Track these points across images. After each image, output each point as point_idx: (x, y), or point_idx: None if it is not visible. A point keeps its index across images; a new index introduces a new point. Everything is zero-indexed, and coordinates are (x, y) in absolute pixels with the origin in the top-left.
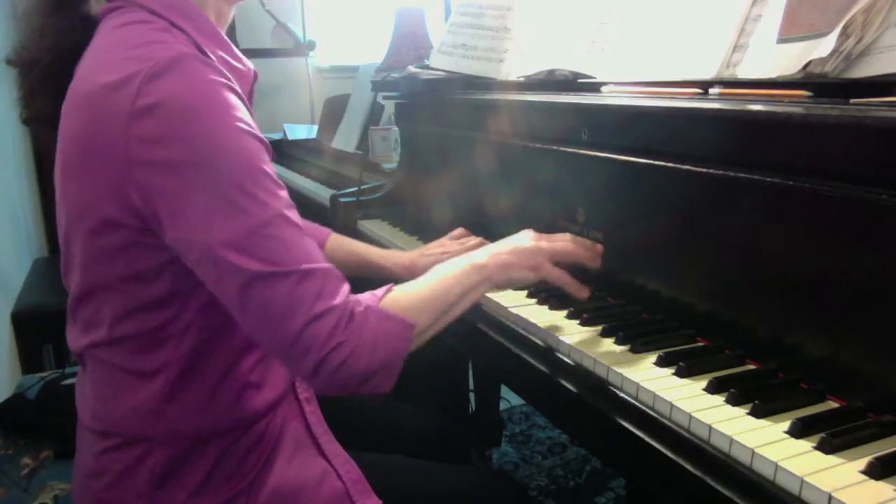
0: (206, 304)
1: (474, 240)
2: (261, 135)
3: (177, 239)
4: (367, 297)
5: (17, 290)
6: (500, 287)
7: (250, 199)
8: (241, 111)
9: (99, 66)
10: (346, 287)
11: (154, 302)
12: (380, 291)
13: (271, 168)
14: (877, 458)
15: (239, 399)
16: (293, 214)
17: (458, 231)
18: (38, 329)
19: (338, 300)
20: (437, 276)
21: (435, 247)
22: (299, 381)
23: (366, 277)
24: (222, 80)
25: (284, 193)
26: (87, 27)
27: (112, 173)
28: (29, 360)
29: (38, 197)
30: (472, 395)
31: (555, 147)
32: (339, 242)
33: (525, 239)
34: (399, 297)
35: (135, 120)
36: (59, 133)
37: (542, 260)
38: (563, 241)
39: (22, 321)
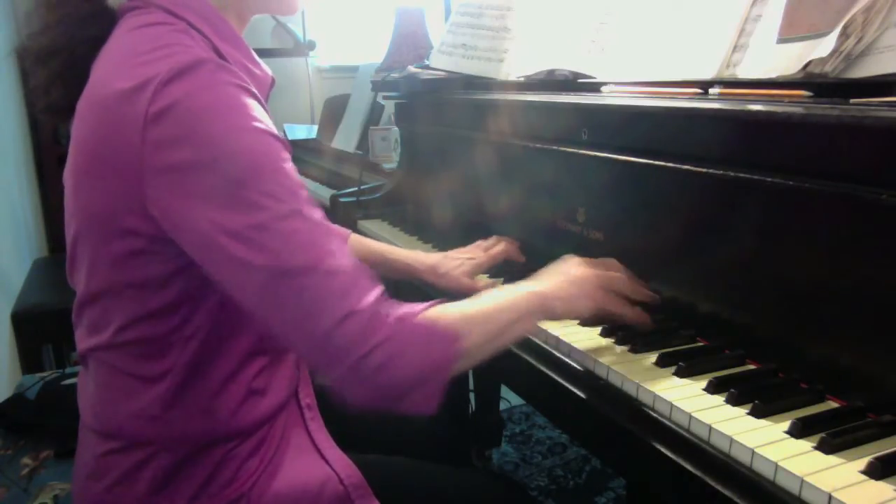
0: (212, 311)
1: (499, 245)
2: (279, 135)
3: (194, 245)
4: (407, 306)
5: (17, 290)
6: (557, 318)
7: (266, 196)
8: (259, 111)
9: (115, 70)
10: (378, 288)
11: (161, 309)
12: (423, 305)
13: (290, 165)
14: (877, 458)
15: (242, 405)
16: (316, 213)
17: (492, 241)
18: (38, 329)
19: (368, 300)
20: (488, 297)
21: (460, 252)
22: (302, 387)
23: (386, 277)
24: (239, 82)
25: (305, 192)
26: (104, 20)
27: (128, 181)
28: (29, 360)
29: (38, 197)
30: (472, 395)
31: (555, 147)
32: (359, 241)
33: (576, 266)
34: (444, 311)
35: (149, 125)
36: (72, 136)
37: (598, 289)
38: (617, 274)
39: (22, 321)
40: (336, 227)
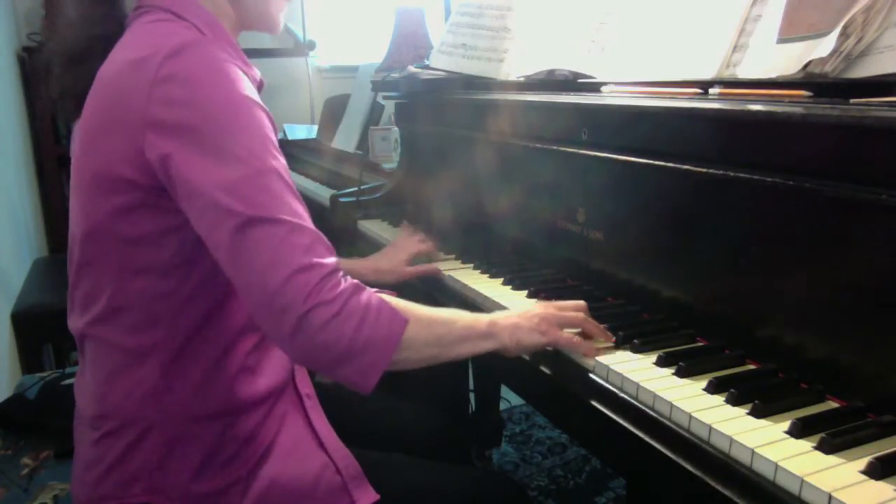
0: (205, 279)
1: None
2: (266, 108)
3: (182, 194)
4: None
5: (17, 290)
6: (509, 351)
7: (249, 153)
8: (249, 86)
9: (125, 50)
10: (335, 257)
11: (155, 268)
12: (376, 289)
13: (273, 136)
14: (877, 458)
15: (234, 382)
16: (290, 180)
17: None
18: (38, 329)
19: (326, 261)
20: (444, 309)
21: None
22: (299, 376)
23: None
24: (234, 62)
25: (283, 160)
26: (119, 22)
27: (130, 135)
28: (29, 360)
29: (38, 197)
30: (472, 395)
31: (555, 147)
32: None
33: (534, 306)
34: (398, 301)
35: (156, 86)
36: (83, 111)
37: (551, 326)
38: (573, 313)
39: (22, 321)
40: None
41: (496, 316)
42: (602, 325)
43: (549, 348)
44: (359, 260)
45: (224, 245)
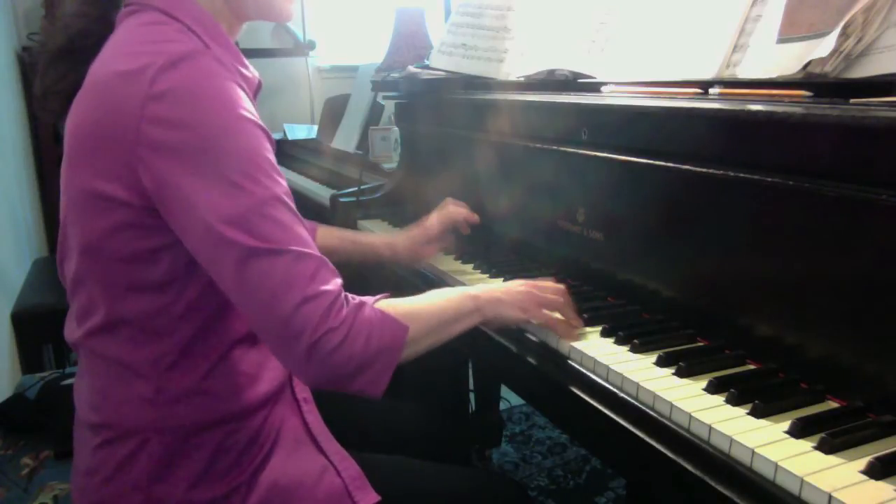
0: (200, 293)
1: (446, 209)
2: (264, 125)
3: (180, 219)
4: (360, 297)
5: (17, 290)
6: (490, 323)
7: (250, 181)
8: (247, 103)
9: (115, 56)
10: (339, 280)
11: (150, 285)
12: (373, 298)
13: (272, 156)
14: (877, 458)
15: (232, 389)
16: (291, 203)
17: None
18: (38, 329)
19: (332, 287)
20: (431, 295)
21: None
22: (297, 380)
23: (355, 261)
24: (231, 75)
25: (284, 182)
26: (106, 21)
27: (123, 154)
28: (29, 360)
29: (38, 197)
30: (472, 395)
31: (555, 147)
32: (329, 231)
33: (518, 284)
34: (393, 303)
35: (149, 103)
36: (68, 120)
37: (532, 305)
38: (554, 296)
39: (22, 321)
40: (305, 221)
41: (478, 290)
42: (581, 317)
43: (534, 338)
44: (383, 237)
45: (229, 275)
